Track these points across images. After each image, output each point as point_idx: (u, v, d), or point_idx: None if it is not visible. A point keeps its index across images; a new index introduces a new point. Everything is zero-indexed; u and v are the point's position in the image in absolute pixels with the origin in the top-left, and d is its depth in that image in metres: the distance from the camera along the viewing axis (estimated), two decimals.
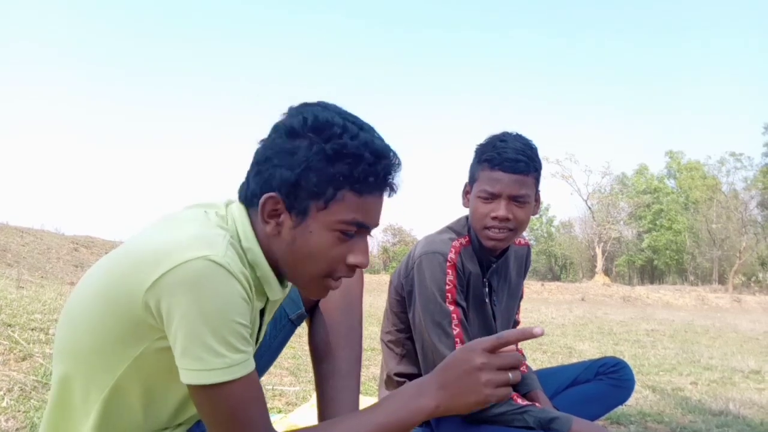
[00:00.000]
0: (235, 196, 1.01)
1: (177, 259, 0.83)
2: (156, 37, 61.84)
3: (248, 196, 0.95)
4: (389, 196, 0.95)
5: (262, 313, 1.05)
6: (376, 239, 40.84)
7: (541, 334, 0.86)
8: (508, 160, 1.52)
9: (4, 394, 2.06)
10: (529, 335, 0.86)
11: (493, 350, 0.87)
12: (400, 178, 0.95)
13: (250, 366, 0.89)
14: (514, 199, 1.54)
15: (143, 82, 62.16)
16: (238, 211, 0.96)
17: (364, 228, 0.94)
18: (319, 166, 0.89)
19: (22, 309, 3.48)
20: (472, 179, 1.61)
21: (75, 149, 60.23)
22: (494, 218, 1.54)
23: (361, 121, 0.94)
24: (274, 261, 0.96)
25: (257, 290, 0.96)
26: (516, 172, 1.52)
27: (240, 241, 0.94)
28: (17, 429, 1.84)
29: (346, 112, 0.94)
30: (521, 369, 1.79)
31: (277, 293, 0.99)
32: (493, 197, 1.54)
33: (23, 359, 2.48)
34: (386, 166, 0.92)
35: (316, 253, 0.92)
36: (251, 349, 0.90)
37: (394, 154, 0.94)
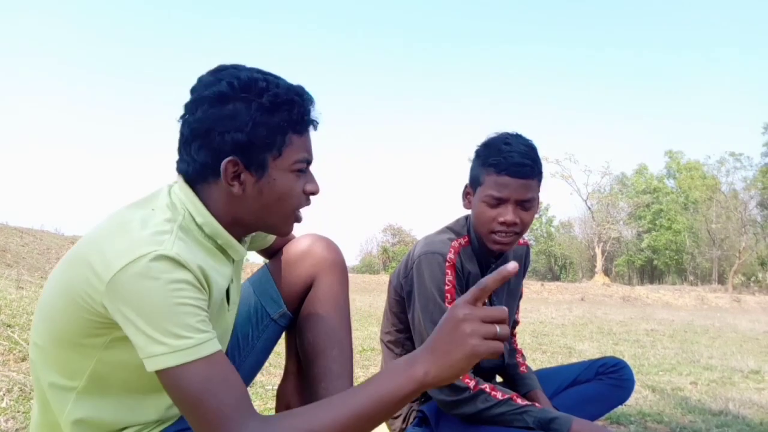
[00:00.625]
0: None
1: (125, 259, 0.86)
2: (155, 45, 61.87)
3: (198, 171, 0.98)
4: (315, 129, 1.05)
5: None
6: (375, 239, 40.86)
7: (515, 270, 0.82)
8: (516, 165, 1.50)
9: (4, 394, 2.06)
10: (506, 273, 0.82)
11: (474, 301, 0.84)
12: (318, 111, 1.05)
13: (216, 345, 0.90)
14: (521, 204, 1.53)
15: (143, 88, 62.18)
16: (183, 191, 1.00)
17: (309, 163, 1.05)
18: (264, 120, 0.96)
19: (22, 309, 3.48)
20: (476, 182, 1.59)
21: (75, 150, 60.24)
22: (502, 223, 1.53)
23: (269, 71, 1.01)
24: (237, 221, 1.02)
25: (223, 256, 1.04)
26: (523, 177, 1.51)
27: (194, 220, 0.98)
28: (17, 429, 1.84)
29: (254, 68, 1.01)
30: (521, 369, 1.81)
31: (241, 252, 1.08)
32: (500, 202, 1.53)
33: (23, 359, 2.48)
34: (309, 102, 1.02)
35: (284, 195, 1.01)
36: (214, 332, 0.91)
37: (307, 90, 1.03)
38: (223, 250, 1.03)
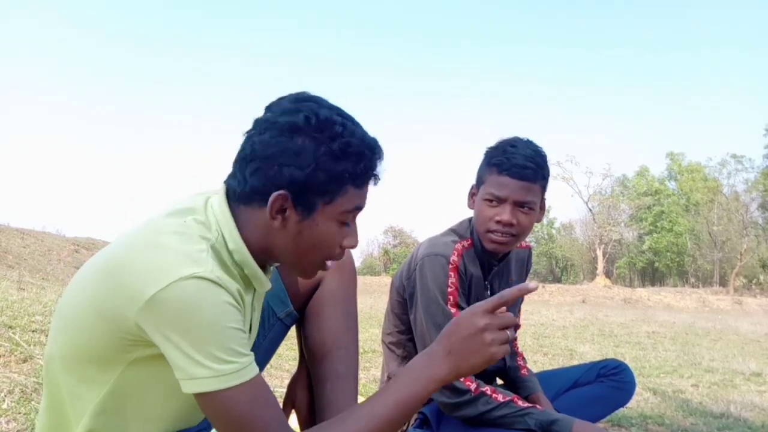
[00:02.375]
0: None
1: (167, 278, 0.84)
2: (157, 46, 61.98)
3: (246, 193, 0.95)
4: (375, 184, 1.01)
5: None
6: (377, 241, 40.90)
7: (536, 288, 0.94)
8: (517, 166, 1.52)
9: (5, 396, 2.06)
10: (526, 290, 0.93)
11: (493, 311, 0.92)
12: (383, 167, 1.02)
13: (256, 368, 0.90)
14: (520, 205, 1.54)
15: (145, 89, 62.33)
16: (221, 210, 0.97)
17: (359, 210, 1.01)
18: (328, 166, 0.92)
19: (23, 311, 3.49)
20: (480, 182, 1.61)
21: (76, 152, 60.36)
22: (498, 222, 1.54)
23: (348, 113, 0.98)
24: (267, 250, 0.99)
25: (246, 286, 1.00)
26: (523, 179, 1.52)
27: (226, 244, 0.96)
28: (18, 431, 1.84)
29: (335, 106, 0.98)
30: (522, 372, 1.81)
31: (266, 285, 1.03)
32: (498, 201, 1.55)
33: (24, 361, 2.48)
34: (378, 158, 0.98)
35: (321, 242, 0.98)
36: (252, 354, 0.91)
37: (380, 145, 1.00)
38: (246, 279, 1.01)
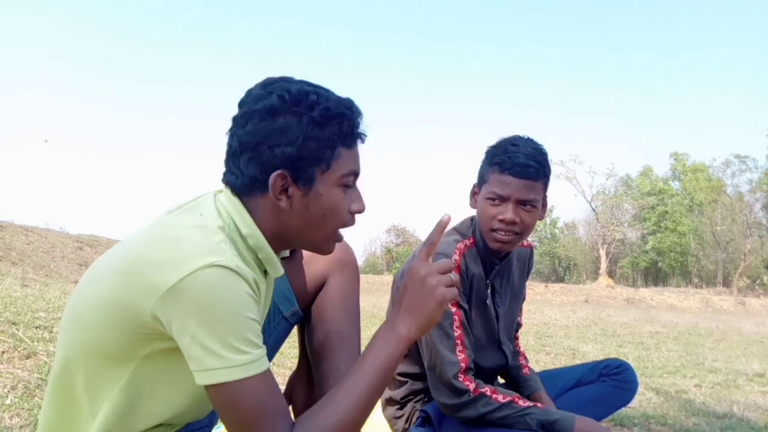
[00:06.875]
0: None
1: (187, 268, 0.85)
2: (160, 45, 62.09)
3: (246, 184, 0.97)
4: (363, 142, 1.03)
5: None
6: (379, 240, 40.87)
7: (448, 220, 0.98)
8: (519, 165, 1.53)
9: (9, 391, 2.07)
10: (443, 224, 0.98)
11: (427, 257, 0.98)
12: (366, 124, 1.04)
13: (267, 361, 0.92)
14: (522, 204, 1.55)
15: (148, 88, 62.42)
16: (229, 201, 0.99)
17: (357, 176, 1.03)
18: (314, 134, 0.95)
19: (27, 307, 3.50)
20: (482, 181, 1.62)
21: (80, 149, 60.50)
22: (501, 221, 1.55)
23: (316, 83, 1.01)
24: (280, 235, 1.01)
25: (260, 271, 1.02)
26: (525, 177, 1.53)
27: (239, 230, 0.97)
28: (21, 426, 1.85)
29: (303, 80, 1.00)
30: (524, 371, 1.81)
31: (279, 271, 1.05)
32: (501, 200, 1.55)
33: (27, 357, 2.50)
34: (358, 115, 1.01)
35: (330, 211, 1.00)
36: (264, 347, 0.92)
37: (356, 103, 1.02)
38: (261, 265, 1.02)
